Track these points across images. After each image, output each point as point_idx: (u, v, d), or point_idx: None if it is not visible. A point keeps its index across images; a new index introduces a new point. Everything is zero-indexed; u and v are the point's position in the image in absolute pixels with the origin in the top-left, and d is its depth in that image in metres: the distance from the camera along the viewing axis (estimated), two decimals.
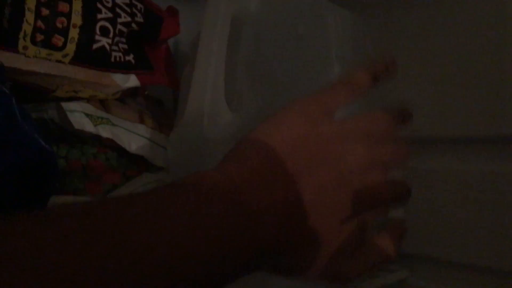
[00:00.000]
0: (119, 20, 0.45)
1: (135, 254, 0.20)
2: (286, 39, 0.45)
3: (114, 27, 0.44)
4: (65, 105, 0.44)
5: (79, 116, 0.44)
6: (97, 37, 0.43)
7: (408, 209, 0.55)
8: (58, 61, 0.42)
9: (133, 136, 0.48)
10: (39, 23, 0.40)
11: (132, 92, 0.50)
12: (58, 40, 0.41)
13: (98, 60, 0.44)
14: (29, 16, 0.39)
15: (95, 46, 0.43)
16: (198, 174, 0.25)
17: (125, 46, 0.47)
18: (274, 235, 0.25)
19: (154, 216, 0.22)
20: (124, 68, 0.46)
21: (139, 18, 0.47)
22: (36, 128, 0.39)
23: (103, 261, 0.19)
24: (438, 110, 0.53)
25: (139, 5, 0.48)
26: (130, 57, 0.47)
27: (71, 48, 0.42)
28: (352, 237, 0.28)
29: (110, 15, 0.44)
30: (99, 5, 0.43)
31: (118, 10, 0.45)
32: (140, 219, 0.21)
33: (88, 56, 0.43)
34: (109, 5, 0.44)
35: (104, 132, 0.45)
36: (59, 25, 0.41)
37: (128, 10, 0.46)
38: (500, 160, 0.48)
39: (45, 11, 0.40)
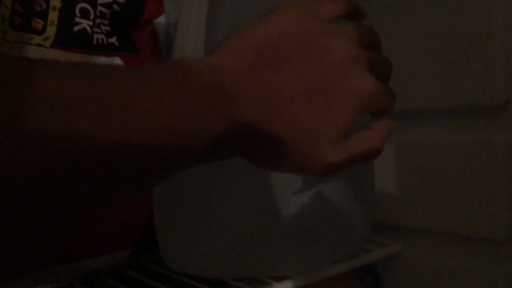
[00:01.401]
0: (99, 1, 0.44)
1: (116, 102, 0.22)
2: None
3: (95, 9, 0.44)
4: None
5: None
6: (77, 19, 0.43)
7: (398, 181, 0.55)
8: (39, 45, 0.42)
9: None
10: (17, 6, 0.40)
11: None
12: (37, 23, 0.41)
13: (80, 43, 0.44)
14: (6, 0, 0.39)
15: (76, 28, 0.43)
16: (185, 59, 0.26)
17: (108, 28, 0.47)
18: (252, 116, 0.26)
19: (137, 82, 0.23)
20: (108, 50, 0.46)
21: None
22: None
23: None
24: (422, 81, 0.52)
25: None
26: (113, 39, 0.47)
27: (51, 31, 0.42)
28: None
29: None
30: None
31: None
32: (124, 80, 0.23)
33: (69, 39, 0.43)
34: None
35: None
36: (37, 8, 0.41)
37: None
38: (488, 130, 0.47)
39: None
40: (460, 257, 0.50)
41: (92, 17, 0.44)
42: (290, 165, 0.29)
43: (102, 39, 0.45)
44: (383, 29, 0.52)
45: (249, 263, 0.43)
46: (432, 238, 0.53)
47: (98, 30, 0.45)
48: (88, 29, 0.44)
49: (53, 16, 0.41)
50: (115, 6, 0.46)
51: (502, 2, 0.45)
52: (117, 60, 0.48)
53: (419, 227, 0.54)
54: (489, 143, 0.47)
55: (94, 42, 0.45)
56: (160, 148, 0.23)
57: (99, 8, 0.44)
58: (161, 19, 0.57)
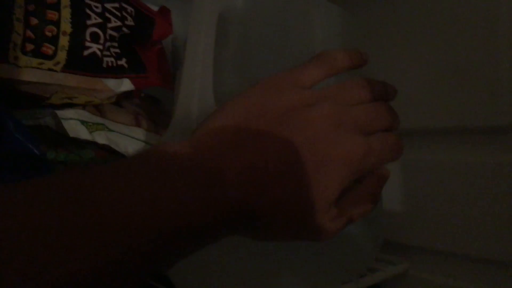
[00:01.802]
0: (109, 25, 0.45)
1: (93, 214, 0.21)
2: (273, 36, 0.45)
3: (104, 33, 0.44)
4: (60, 113, 0.45)
5: (74, 124, 0.44)
6: (87, 44, 0.43)
7: (405, 200, 0.55)
8: (50, 70, 0.42)
9: (129, 140, 0.48)
10: (29, 33, 0.40)
11: (127, 95, 0.50)
12: (48, 48, 0.41)
13: (89, 67, 0.44)
14: (18, 26, 0.39)
15: (86, 52, 0.43)
16: (160, 145, 0.25)
17: (117, 51, 0.47)
18: (240, 197, 0.25)
19: (111, 183, 0.22)
20: (117, 73, 0.46)
21: (130, 22, 0.47)
22: (29, 137, 0.39)
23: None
24: (430, 101, 0.52)
25: (129, 8, 0.48)
26: (122, 62, 0.47)
27: (61, 56, 0.42)
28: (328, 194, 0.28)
29: (99, 20, 0.44)
30: (88, 11, 0.43)
31: (107, 15, 0.45)
32: (98, 184, 0.22)
33: (80, 63, 0.43)
34: (99, 10, 0.44)
35: (100, 138, 0.45)
36: (48, 34, 0.41)
37: (118, 14, 0.46)
38: (496, 151, 0.47)
39: (33, 21, 0.40)
40: (468, 278, 0.50)
41: (102, 40, 0.44)
42: (286, 237, 0.28)
43: (112, 62, 0.46)
44: (391, 49, 0.51)
45: (254, 284, 0.43)
46: (439, 258, 0.53)
47: (107, 53, 0.45)
48: (98, 52, 0.44)
49: (64, 41, 0.42)
50: (124, 29, 0.47)
51: (508, 22, 0.45)
52: (126, 81, 0.48)
53: (426, 247, 0.54)
54: (498, 163, 0.47)
55: (104, 65, 0.45)
56: (147, 251, 0.22)
57: (109, 32, 0.45)
58: None
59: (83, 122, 0.46)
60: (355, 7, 0.53)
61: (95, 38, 0.44)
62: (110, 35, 0.45)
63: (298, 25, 0.45)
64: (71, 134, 0.44)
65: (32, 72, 0.41)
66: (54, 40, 0.41)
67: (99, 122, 0.47)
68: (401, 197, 0.55)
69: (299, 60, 0.45)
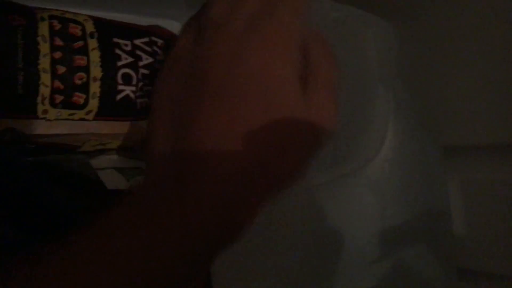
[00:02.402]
0: (140, 63, 0.41)
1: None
2: None
3: (137, 72, 0.41)
4: (94, 162, 0.41)
5: (111, 173, 0.41)
6: (120, 87, 0.39)
7: (463, 224, 0.51)
8: (82, 119, 0.38)
9: None
10: (57, 83, 0.36)
11: None
12: (79, 98, 0.37)
13: (123, 111, 0.40)
14: (45, 78, 0.36)
15: (118, 97, 0.39)
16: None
17: (150, 88, 0.43)
18: (212, 228, 0.24)
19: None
20: None
21: (161, 56, 0.43)
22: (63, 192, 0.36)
23: None
24: (492, 115, 0.48)
25: (159, 41, 0.44)
26: None
27: (93, 103, 0.38)
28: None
29: (130, 59, 0.40)
30: (117, 51, 0.40)
31: (138, 52, 0.41)
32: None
33: (113, 109, 0.39)
34: (128, 48, 0.40)
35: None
36: (78, 82, 0.37)
37: (149, 49, 0.42)
38: None
39: (61, 69, 0.36)
40: None
41: (134, 81, 0.40)
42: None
43: (146, 102, 0.42)
44: (449, 62, 0.47)
45: None
46: (503, 283, 0.49)
47: (141, 93, 0.42)
48: (132, 95, 0.40)
49: (95, 87, 0.38)
50: (156, 65, 0.43)
51: None
52: None
53: (491, 272, 0.50)
54: None
55: (138, 107, 0.41)
56: None
57: (141, 70, 0.41)
58: None
59: (119, 170, 0.42)
60: (408, 23, 0.48)
61: (127, 80, 0.40)
62: (143, 74, 0.41)
63: (347, 49, 0.41)
64: (109, 186, 0.40)
65: (62, 125, 0.38)
66: (84, 88, 0.37)
67: (136, 166, 0.44)
68: (465, 220, 0.51)
69: (351, 90, 0.41)
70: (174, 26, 0.75)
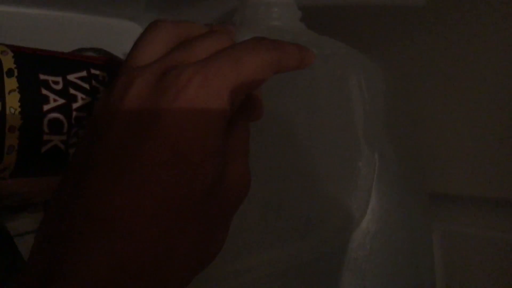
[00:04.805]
0: (74, 105, 0.33)
1: None
2: (299, 116, 0.34)
3: (69, 117, 0.33)
4: (13, 225, 0.33)
5: (31, 241, 0.33)
6: (45, 137, 0.31)
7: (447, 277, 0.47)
8: None
9: None
10: None
11: None
12: None
13: (50, 166, 0.32)
14: None
15: (44, 148, 0.31)
16: None
17: None
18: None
19: None
20: None
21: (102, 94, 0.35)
22: None
23: None
24: (479, 167, 0.43)
25: (100, 74, 0.36)
26: None
27: (9, 160, 0.30)
28: None
29: (61, 101, 0.32)
30: (44, 92, 0.31)
31: (72, 90, 0.33)
32: None
33: (36, 164, 0.32)
34: (59, 87, 0.32)
35: None
36: None
37: (87, 86, 0.34)
38: None
39: None
40: None
41: (65, 129, 0.32)
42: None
43: None
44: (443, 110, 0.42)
45: None
46: None
47: (74, 140, 0.34)
48: (61, 145, 0.32)
49: (12, 139, 0.30)
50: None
51: None
52: None
53: None
54: None
55: (70, 158, 0.33)
56: None
57: (75, 114, 0.33)
58: None
59: None
60: (391, 59, 0.42)
61: (56, 127, 0.32)
62: (76, 118, 0.33)
63: (329, 98, 0.35)
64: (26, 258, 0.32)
65: None
66: None
67: None
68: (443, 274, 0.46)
69: (333, 149, 0.35)
70: (132, 28, 0.67)
